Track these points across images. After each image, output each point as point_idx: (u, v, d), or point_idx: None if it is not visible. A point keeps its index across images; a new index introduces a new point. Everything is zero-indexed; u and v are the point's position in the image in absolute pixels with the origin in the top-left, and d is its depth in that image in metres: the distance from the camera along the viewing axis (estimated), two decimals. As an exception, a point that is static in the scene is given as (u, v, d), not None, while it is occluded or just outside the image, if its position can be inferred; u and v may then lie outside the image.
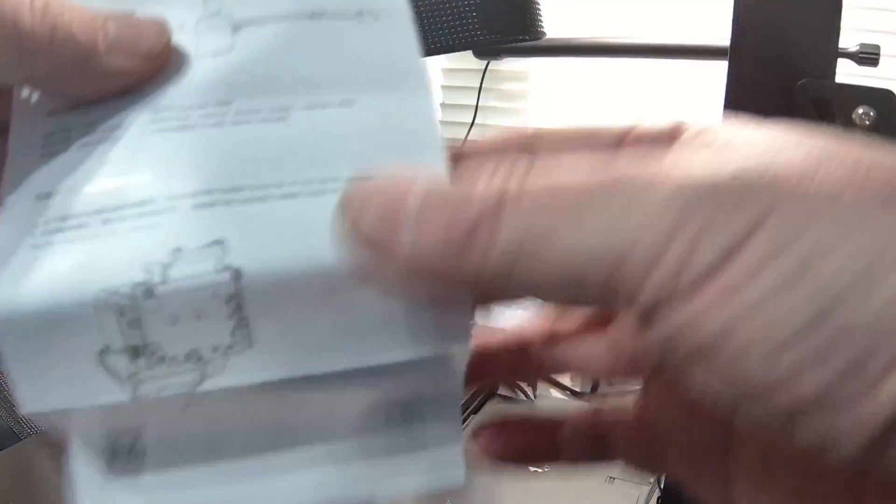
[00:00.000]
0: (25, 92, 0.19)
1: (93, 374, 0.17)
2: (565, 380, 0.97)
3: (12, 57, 0.17)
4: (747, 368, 0.13)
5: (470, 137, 1.16)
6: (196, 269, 0.17)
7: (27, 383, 0.17)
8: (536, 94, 1.13)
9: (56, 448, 0.19)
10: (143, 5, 0.19)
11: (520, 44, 0.48)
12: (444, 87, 1.21)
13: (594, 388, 0.88)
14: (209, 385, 0.17)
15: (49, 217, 0.17)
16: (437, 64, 1.21)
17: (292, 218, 0.17)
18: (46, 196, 0.18)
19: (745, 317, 0.12)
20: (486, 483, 0.52)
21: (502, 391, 0.83)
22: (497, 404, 0.80)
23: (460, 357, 0.18)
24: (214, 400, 0.18)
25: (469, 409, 0.75)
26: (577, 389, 0.94)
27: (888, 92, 0.35)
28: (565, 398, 0.93)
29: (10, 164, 0.19)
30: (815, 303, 0.12)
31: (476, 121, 1.15)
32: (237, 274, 0.17)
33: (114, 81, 0.18)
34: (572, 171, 0.14)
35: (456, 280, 0.15)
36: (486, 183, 0.14)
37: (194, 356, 0.17)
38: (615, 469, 0.68)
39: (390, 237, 0.14)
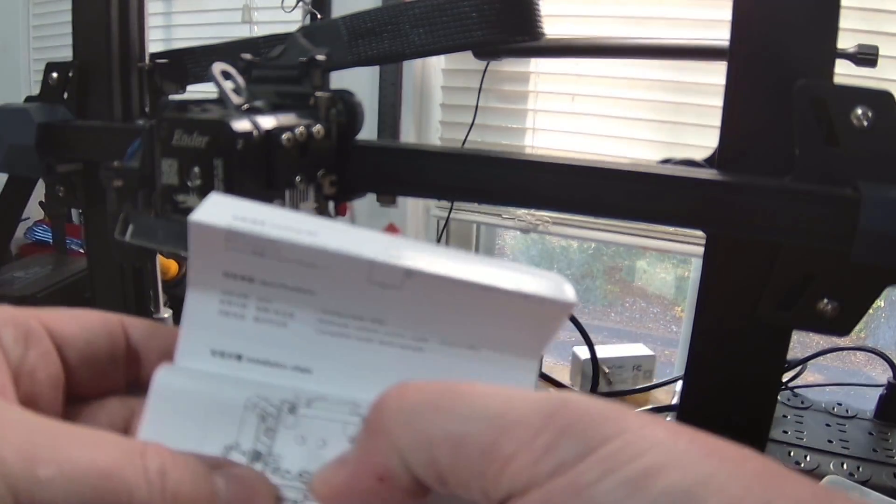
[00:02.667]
0: (196, 258, 0.21)
1: None
2: (564, 379, 0.97)
3: None
4: None
5: (470, 137, 1.16)
6: (334, 408, 0.21)
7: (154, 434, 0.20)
8: (536, 95, 1.13)
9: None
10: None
11: (520, 44, 0.48)
12: (444, 88, 1.21)
13: (593, 389, 0.88)
14: None
15: (224, 353, 0.21)
16: (437, 64, 1.21)
17: None
18: (220, 355, 0.21)
19: None
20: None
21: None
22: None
23: None
24: None
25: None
26: (577, 389, 0.94)
27: (886, 93, 0.36)
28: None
29: (187, 318, 0.21)
30: None
31: (476, 121, 1.16)
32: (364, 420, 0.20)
33: None
34: (471, 381, 0.18)
35: (379, 441, 0.18)
36: None
37: (306, 476, 0.20)
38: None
39: None
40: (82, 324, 0.21)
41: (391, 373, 0.21)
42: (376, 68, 1.18)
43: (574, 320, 0.89)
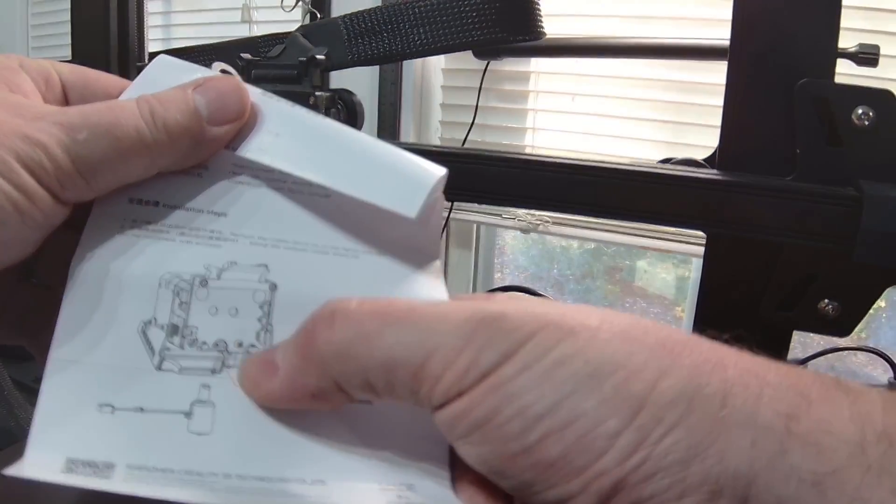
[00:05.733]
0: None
1: (131, 339, 0.21)
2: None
3: (147, 165, 0.22)
4: (507, 436, 0.18)
5: (470, 137, 1.16)
6: (244, 276, 0.22)
7: (70, 330, 0.21)
8: (536, 94, 1.13)
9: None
10: None
11: (520, 44, 0.48)
12: (444, 87, 1.21)
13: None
14: (226, 374, 0.21)
15: (137, 218, 0.22)
16: (437, 64, 1.21)
17: (321, 266, 0.23)
18: (138, 202, 0.23)
19: (507, 402, 0.18)
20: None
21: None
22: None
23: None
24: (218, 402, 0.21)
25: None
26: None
27: (887, 92, 0.35)
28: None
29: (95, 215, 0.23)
30: (556, 393, 0.18)
31: (476, 121, 1.15)
32: (274, 286, 0.22)
33: (220, 143, 0.23)
34: (394, 302, 0.20)
35: (312, 368, 0.20)
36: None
37: (221, 346, 0.22)
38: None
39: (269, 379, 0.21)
40: (84, 74, 0.25)
41: (300, 217, 0.23)
42: (376, 68, 1.18)
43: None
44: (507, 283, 1.51)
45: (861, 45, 0.70)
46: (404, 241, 0.24)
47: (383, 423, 0.22)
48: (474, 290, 1.31)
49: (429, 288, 0.24)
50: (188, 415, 0.20)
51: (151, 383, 0.21)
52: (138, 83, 0.24)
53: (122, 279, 0.21)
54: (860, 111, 0.35)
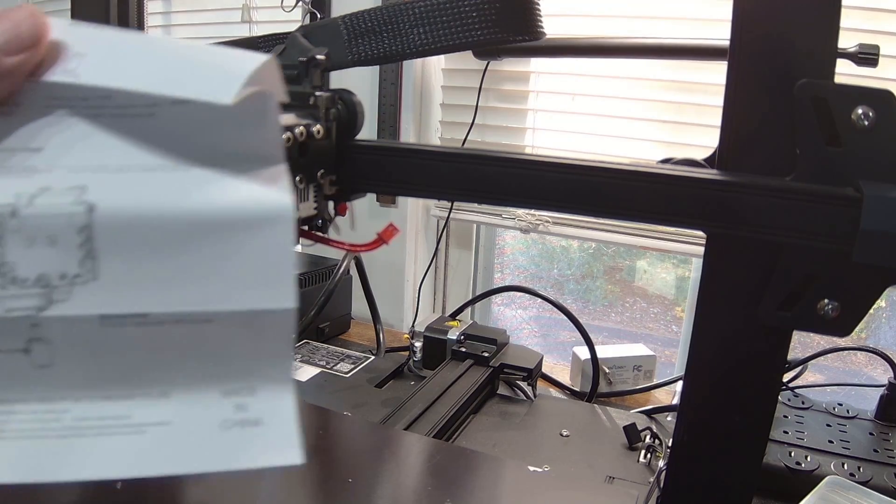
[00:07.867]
0: None
1: None
2: (565, 379, 0.97)
3: None
4: None
5: (470, 137, 1.16)
6: (58, 199, 0.20)
7: None
8: (537, 94, 1.13)
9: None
10: None
11: (520, 44, 0.48)
12: (444, 88, 1.21)
13: (593, 389, 0.88)
14: (53, 311, 0.20)
15: None
16: (437, 64, 1.21)
17: (145, 183, 0.21)
18: None
19: None
20: (486, 483, 0.52)
21: (502, 391, 0.83)
22: (497, 404, 0.80)
23: (287, 322, 0.21)
24: (54, 340, 0.20)
25: (469, 409, 0.75)
26: (577, 389, 0.94)
27: (887, 92, 0.35)
28: (565, 398, 0.93)
29: None
30: None
31: (476, 121, 1.15)
32: (91, 207, 0.20)
33: (17, 74, 0.21)
34: None
35: None
36: None
37: (43, 281, 0.20)
38: (615, 469, 0.68)
39: None
40: None
41: (124, 141, 0.22)
42: (376, 68, 1.18)
43: (574, 320, 0.89)
44: (507, 283, 1.51)
45: (861, 45, 0.70)
46: (240, 148, 0.23)
47: (225, 335, 0.21)
48: (474, 290, 1.31)
49: (269, 193, 0.22)
50: (27, 351, 0.20)
51: None
52: None
53: None
54: (860, 111, 0.35)
